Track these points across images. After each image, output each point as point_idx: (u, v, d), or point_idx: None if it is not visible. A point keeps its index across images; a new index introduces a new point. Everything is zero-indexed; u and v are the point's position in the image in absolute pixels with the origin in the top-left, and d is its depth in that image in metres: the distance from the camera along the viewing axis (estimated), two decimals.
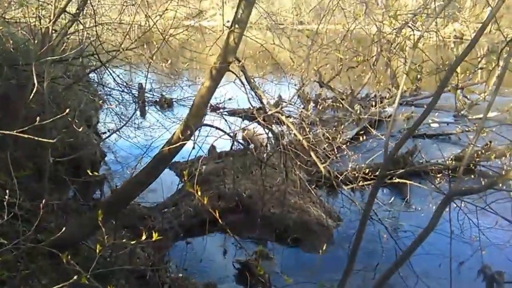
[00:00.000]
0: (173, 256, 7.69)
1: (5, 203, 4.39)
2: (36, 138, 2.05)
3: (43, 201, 3.22)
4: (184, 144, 5.31)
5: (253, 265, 7.47)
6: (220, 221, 3.08)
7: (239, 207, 9.07)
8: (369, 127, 11.62)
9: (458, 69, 7.13)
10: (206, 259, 7.94)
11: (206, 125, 5.94)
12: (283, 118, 6.61)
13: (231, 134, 6.21)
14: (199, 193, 2.74)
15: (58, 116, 3.77)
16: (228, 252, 8.40)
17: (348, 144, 9.30)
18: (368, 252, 7.75)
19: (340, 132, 10.95)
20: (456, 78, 9.02)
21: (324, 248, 8.52)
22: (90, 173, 3.91)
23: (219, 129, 5.93)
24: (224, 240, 8.70)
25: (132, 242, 3.27)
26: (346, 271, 3.71)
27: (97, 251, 2.92)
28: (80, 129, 5.03)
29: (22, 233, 4.71)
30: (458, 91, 14.62)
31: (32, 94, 4.24)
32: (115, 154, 9.29)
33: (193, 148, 5.56)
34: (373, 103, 14.19)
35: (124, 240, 4.86)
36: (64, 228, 5.44)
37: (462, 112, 15.51)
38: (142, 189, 5.77)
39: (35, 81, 3.60)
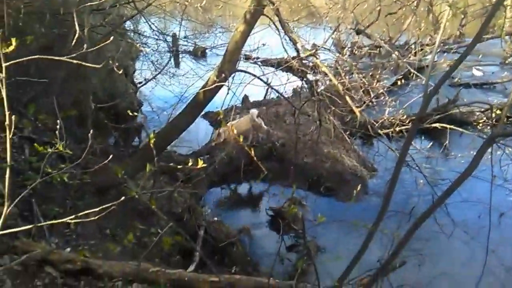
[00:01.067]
0: (208, 201, 8.03)
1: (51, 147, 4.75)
2: (85, 63, 2.19)
3: (89, 144, 3.48)
4: (219, 88, 5.45)
5: (286, 212, 7.74)
6: (260, 164, 3.21)
7: (272, 156, 9.28)
8: (408, 75, 11.32)
9: (508, 14, 6.81)
10: (240, 206, 8.28)
11: (240, 70, 6.02)
12: (318, 61, 6.57)
13: (265, 80, 6.25)
14: (234, 131, 2.86)
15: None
16: (261, 199, 8.73)
17: (385, 91, 9.12)
18: (404, 197, 7.83)
19: (377, 79, 10.74)
20: (503, 21, 8.60)
21: (357, 197, 8.80)
22: (130, 113, 4.13)
23: (253, 75, 6.00)
24: (258, 187, 9.00)
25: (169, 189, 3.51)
26: (381, 213, 3.82)
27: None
28: (119, 78, 5.24)
29: (70, 173, 5.11)
30: (506, 37, 13.91)
31: (74, 42, 4.43)
32: (151, 104, 9.53)
33: (227, 93, 5.69)
34: (413, 51, 13.74)
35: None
36: (106, 171, 5.87)
37: (509, 60, 14.81)
38: (178, 134, 6.01)
39: (77, 28, 3.77)
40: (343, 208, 8.35)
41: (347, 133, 9.00)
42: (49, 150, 2.16)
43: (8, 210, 1.90)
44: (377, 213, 4.16)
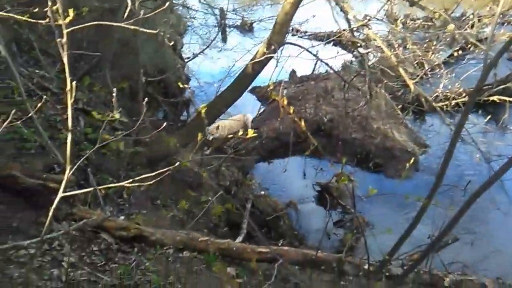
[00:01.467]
0: (255, 175, 8.08)
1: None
2: (142, 29, 2.23)
3: (143, 113, 3.57)
4: (268, 61, 5.41)
5: (333, 187, 7.69)
6: (309, 136, 3.18)
7: (320, 132, 9.18)
8: (465, 47, 10.72)
9: None
10: (287, 180, 8.27)
11: (289, 43, 5.95)
12: (370, 32, 6.33)
13: (314, 53, 6.13)
14: (284, 102, 2.83)
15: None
16: (308, 175, 8.70)
17: (440, 65, 8.72)
18: (458, 172, 7.60)
19: (432, 51, 10.26)
20: None
21: (407, 173, 8.59)
22: (181, 85, 4.18)
23: (302, 47, 5.91)
24: (305, 162, 8.95)
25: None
26: (434, 187, 3.71)
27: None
28: (167, 53, 5.30)
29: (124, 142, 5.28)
30: None
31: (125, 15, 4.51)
32: (198, 78, 9.62)
33: (276, 67, 5.65)
34: (470, 22, 12.98)
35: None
36: (157, 143, 6.03)
37: None
38: (226, 108, 6.04)
39: (129, 2, 3.83)
40: (392, 185, 8.24)
41: (399, 107, 8.70)
42: (107, 117, 2.23)
43: (70, 173, 1.98)
44: (430, 189, 4.06)
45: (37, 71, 5.25)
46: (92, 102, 5.64)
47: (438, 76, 8.46)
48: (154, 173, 2.26)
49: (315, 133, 9.12)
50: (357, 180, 8.05)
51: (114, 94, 2.54)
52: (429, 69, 8.47)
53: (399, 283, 4.51)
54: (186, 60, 9.93)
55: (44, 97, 4.14)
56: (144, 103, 3.84)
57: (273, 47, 5.13)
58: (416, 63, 9.05)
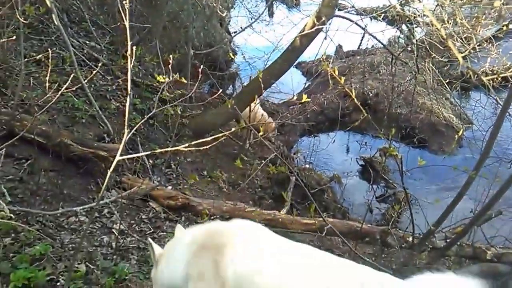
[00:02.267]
0: (300, 149, 7.87)
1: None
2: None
3: (191, 90, 3.42)
4: (317, 34, 5.11)
5: (377, 162, 7.41)
6: (364, 111, 2.93)
7: (366, 106, 8.80)
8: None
9: None
10: (331, 154, 8.01)
11: (339, 16, 5.63)
12: (420, 5, 5.89)
13: (363, 27, 5.77)
14: (335, 73, 2.58)
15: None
16: (352, 149, 8.41)
17: (490, 40, 8.12)
18: (505, 147, 7.16)
19: (478, 28, 9.57)
20: None
21: (451, 149, 8.15)
22: (231, 56, 3.98)
23: (351, 20, 5.60)
24: (349, 137, 8.67)
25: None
26: (481, 159, 3.45)
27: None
28: (214, 27, 5.10)
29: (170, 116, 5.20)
30: None
31: None
32: (244, 54, 9.39)
33: (324, 39, 5.34)
34: None
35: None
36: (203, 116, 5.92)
37: None
38: (274, 80, 5.80)
39: None
40: (436, 160, 7.88)
41: (446, 81, 8.20)
42: (165, 79, 2.10)
43: (127, 136, 1.90)
44: (474, 164, 3.80)
45: (87, 42, 5.18)
46: (141, 73, 5.57)
47: (486, 50, 7.87)
48: (208, 139, 2.11)
49: (360, 108, 8.76)
50: (401, 155, 7.77)
51: (170, 61, 2.41)
52: (478, 44, 7.90)
53: (442, 255, 4.41)
54: (233, 34, 9.71)
55: (95, 67, 4.08)
56: (188, 76, 3.68)
57: (322, 19, 4.81)
58: (465, 37, 8.49)
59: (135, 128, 2.28)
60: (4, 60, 3.87)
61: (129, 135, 2.01)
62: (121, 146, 2.00)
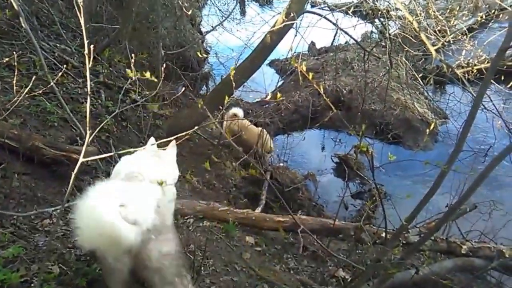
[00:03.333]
0: (274, 148, 8.01)
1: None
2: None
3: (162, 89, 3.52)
4: (287, 29, 5.26)
5: (351, 159, 7.62)
6: (333, 107, 3.06)
7: (339, 104, 9.03)
8: (488, 15, 10.25)
9: None
10: (305, 152, 8.21)
11: (309, 11, 5.81)
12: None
13: (334, 22, 5.91)
14: (303, 69, 2.71)
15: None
16: (327, 147, 8.62)
17: (464, 32, 8.41)
18: (479, 139, 7.44)
19: (454, 19, 9.84)
20: None
21: (425, 144, 8.42)
22: (200, 55, 4.09)
23: (321, 15, 5.75)
24: (323, 135, 8.88)
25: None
26: (454, 152, 3.61)
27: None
28: (185, 27, 5.21)
29: (143, 118, 5.29)
30: None
31: None
32: (217, 54, 9.49)
33: (295, 36, 5.51)
34: None
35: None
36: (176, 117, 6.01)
37: None
38: (246, 78, 5.91)
39: None
40: (411, 156, 8.11)
41: (420, 76, 8.43)
42: (136, 75, 2.20)
43: (90, 138, 1.99)
44: (451, 152, 3.97)
45: (58, 45, 5.23)
46: (112, 76, 5.63)
47: (461, 43, 8.12)
48: (174, 137, 2.25)
49: (334, 105, 8.95)
50: (376, 151, 8.00)
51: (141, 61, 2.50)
52: (452, 36, 8.13)
53: (415, 250, 4.43)
54: (204, 33, 9.82)
55: (64, 68, 4.14)
56: (159, 78, 3.78)
57: (292, 15, 4.97)
58: (439, 30, 8.72)
59: (98, 129, 2.39)
60: None
61: (92, 136, 2.10)
62: (84, 147, 2.09)
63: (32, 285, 2.43)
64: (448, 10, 8.47)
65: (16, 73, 3.12)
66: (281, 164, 7.10)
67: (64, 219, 3.17)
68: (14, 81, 2.85)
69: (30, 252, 2.73)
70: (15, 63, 2.94)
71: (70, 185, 2.19)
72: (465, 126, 3.56)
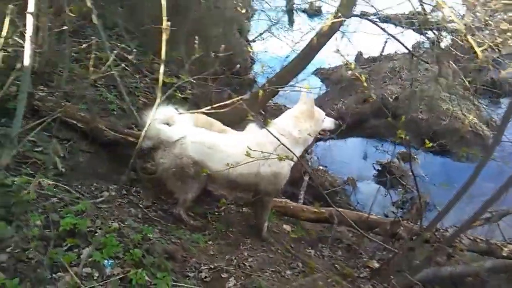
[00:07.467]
0: (315, 151, 8.42)
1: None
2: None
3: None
4: (333, 33, 5.71)
5: (394, 166, 7.89)
6: (387, 112, 3.39)
7: (384, 111, 9.30)
8: None
9: None
10: (346, 159, 8.58)
11: (356, 15, 6.18)
12: (446, 11, 6.21)
13: (383, 27, 6.16)
14: (362, 77, 3.14)
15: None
16: (369, 155, 8.95)
17: None
18: None
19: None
20: None
21: (475, 157, 8.50)
22: (250, 60, 4.64)
23: (370, 20, 6.12)
24: (366, 143, 9.20)
25: None
26: (492, 144, 3.82)
27: None
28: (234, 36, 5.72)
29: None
30: None
31: None
32: (262, 62, 10.03)
33: (342, 37, 5.81)
34: None
35: None
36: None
37: None
38: (290, 79, 6.37)
39: None
40: (459, 168, 8.20)
41: (473, 88, 8.56)
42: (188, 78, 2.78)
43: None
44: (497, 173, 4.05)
45: (118, 44, 6.02)
46: (167, 74, 6.33)
47: None
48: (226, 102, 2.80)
49: (379, 114, 9.31)
50: (421, 161, 8.20)
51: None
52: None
53: (447, 244, 4.49)
54: (251, 40, 10.45)
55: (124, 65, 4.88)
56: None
57: (339, 22, 5.44)
58: (495, 44, 8.81)
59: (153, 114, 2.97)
60: (52, 56, 4.73)
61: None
62: (142, 134, 2.61)
63: (96, 234, 3.02)
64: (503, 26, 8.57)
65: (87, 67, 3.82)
66: (320, 167, 7.48)
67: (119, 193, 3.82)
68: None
69: (92, 216, 3.34)
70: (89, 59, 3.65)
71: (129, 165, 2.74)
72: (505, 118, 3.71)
